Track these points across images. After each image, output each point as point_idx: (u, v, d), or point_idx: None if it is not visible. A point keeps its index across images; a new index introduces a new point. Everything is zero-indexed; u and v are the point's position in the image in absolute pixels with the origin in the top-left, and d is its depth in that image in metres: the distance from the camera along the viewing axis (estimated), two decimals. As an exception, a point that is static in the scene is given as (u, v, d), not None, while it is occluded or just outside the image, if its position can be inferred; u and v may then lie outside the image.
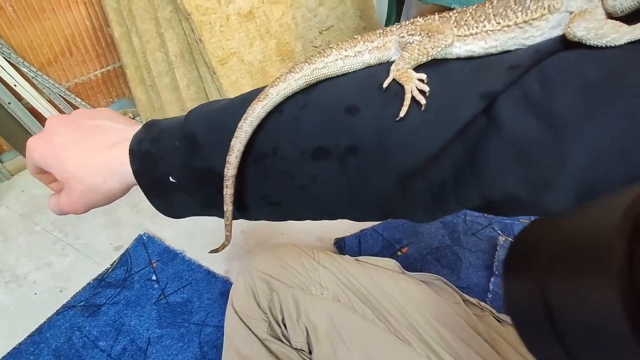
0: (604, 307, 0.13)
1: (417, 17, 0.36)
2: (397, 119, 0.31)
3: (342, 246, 1.21)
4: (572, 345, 0.15)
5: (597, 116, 0.25)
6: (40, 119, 1.56)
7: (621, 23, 0.26)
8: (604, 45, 0.27)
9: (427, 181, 0.32)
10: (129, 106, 1.86)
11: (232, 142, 0.34)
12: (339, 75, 0.36)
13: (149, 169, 0.39)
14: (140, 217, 1.31)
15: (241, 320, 0.73)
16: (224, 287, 1.08)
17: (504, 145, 0.28)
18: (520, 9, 0.31)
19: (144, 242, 1.18)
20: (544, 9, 0.30)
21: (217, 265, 1.15)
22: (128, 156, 0.39)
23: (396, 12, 1.38)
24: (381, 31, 0.36)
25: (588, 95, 0.26)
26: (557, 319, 0.15)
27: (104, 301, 1.04)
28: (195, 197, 0.39)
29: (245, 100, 0.35)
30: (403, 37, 0.35)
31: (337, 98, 0.34)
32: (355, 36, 0.36)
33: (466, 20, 0.33)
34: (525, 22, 0.31)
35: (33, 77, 1.48)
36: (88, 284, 1.08)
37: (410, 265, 1.15)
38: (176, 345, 0.95)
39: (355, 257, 0.82)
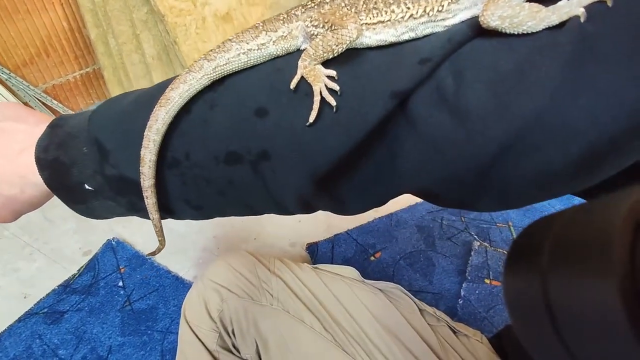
0: (604, 305, 0.13)
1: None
2: (308, 124, 0.30)
3: (314, 251, 1.20)
4: (571, 342, 0.15)
5: (503, 112, 0.25)
6: (16, 122, 1.55)
7: (538, 6, 0.25)
8: (520, 33, 0.26)
9: (350, 181, 0.32)
10: (109, 108, 1.84)
11: (142, 153, 0.32)
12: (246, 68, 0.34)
13: (60, 178, 0.36)
14: (110, 221, 1.29)
15: (192, 331, 0.71)
16: (191, 293, 1.06)
17: (421, 143, 0.28)
18: None
19: (113, 247, 1.16)
20: None
21: (186, 271, 1.14)
22: None
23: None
24: (285, 16, 0.33)
25: (497, 89, 0.25)
26: (557, 315, 0.15)
27: (68, 308, 1.02)
28: (118, 202, 0.37)
29: (152, 98, 0.33)
30: (307, 26, 0.33)
31: (246, 98, 0.32)
32: (257, 24, 0.33)
33: (375, 4, 0.31)
34: (436, 6, 0.29)
35: (6, 79, 1.46)
36: (53, 290, 1.06)
37: (382, 270, 1.14)
38: (137, 353, 0.93)
39: (315, 266, 0.81)
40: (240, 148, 0.32)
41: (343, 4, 0.32)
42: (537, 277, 0.16)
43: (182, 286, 1.07)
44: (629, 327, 0.12)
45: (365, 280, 0.79)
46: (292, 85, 0.31)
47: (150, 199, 0.34)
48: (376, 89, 0.29)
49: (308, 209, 0.36)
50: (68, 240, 1.22)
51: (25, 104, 1.56)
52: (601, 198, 0.17)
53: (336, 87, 0.30)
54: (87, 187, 0.36)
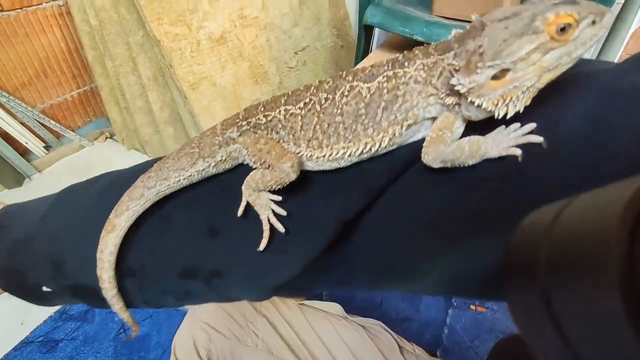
0: (606, 310, 0.13)
1: (259, 118, 0.32)
2: (260, 249, 0.31)
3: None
4: (579, 347, 0.15)
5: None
6: (13, 143, 1.57)
7: (478, 143, 0.26)
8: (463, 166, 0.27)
9: (300, 290, 0.36)
10: (106, 126, 1.86)
11: (99, 273, 0.34)
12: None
13: (16, 284, 0.38)
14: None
15: (180, 370, 0.73)
16: (184, 320, 1.08)
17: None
18: (372, 124, 0.29)
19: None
20: (399, 125, 0.29)
21: (179, 296, 1.16)
22: None
23: (365, 39, 1.37)
24: (220, 139, 0.33)
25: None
26: (562, 325, 0.15)
27: (63, 336, 1.05)
28: (78, 301, 0.39)
29: (102, 211, 0.34)
30: (246, 155, 0.33)
31: (197, 215, 0.34)
32: (192, 147, 0.34)
33: (314, 133, 0.31)
34: (381, 141, 0.29)
35: (5, 102, 1.49)
36: (49, 317, 1.09)
37: (370, 298, 1.15)
38: (130, 383, 0.96)
39: (302, 302, 0.83)
40: (194, 265, 0.33)
41: (277, 130, 0.32)
42: (537, 290, 0.16)
43: (175, 313, 1.09)
44: (632, 331, 0.12)
45: (349, 317, 0.82)
46: (240, 212, 0.32)
47: (116, 305, 0.36)
48: (324, 215, 0.30)
49: (270, 297, 0.39)
50: (64, 265, 1.24)
51: (24, 124, 1.59)
52: (588, 195, 0.17)
53: (283, 212, 0.31)
54: (44, 289, 0.38)
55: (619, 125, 0.23)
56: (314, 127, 0.30)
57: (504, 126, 0.27)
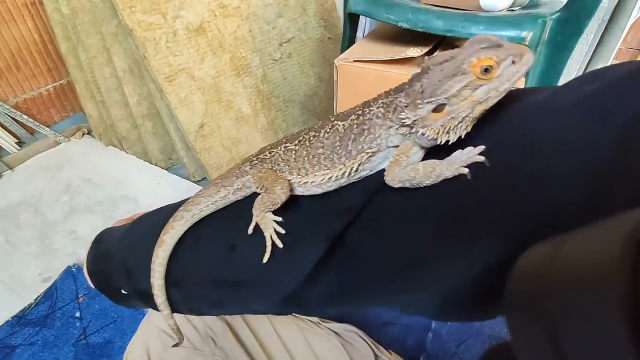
0: (612, 342, 0.13)
1: (266, 154, 0.40)
2: (264, 261, 0.37)
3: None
4: None
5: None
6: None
7: (432, 165, 0.30)
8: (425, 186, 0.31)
9: (308, 306, 0.39)
10: (84, 121, 1.79)
11: (152, 281, 0.43)
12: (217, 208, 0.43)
13: (106, 285, 0.51)
14: (76, 244, 1.24)
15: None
16: (152, 324, 1.01)
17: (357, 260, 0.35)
18: (344, 153, 0.35)
19: (73, 274, 1.12)
20: (366, 153, 0.34)
21: (148, 299, 1.09)
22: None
23: (350, 29, 1.31)
24: (238, 172, 0.42)
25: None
26: (568, 358, 0.15)
27: (20, 342, 0.97)
28: (145, 305, 0.49)
29: (159, 231, 0.43)
30: (252, 182, 0.41)
31: (221, 235, 0.43)
32: (216, 181, 0.43)
33: (303, 163, 0.37)
34: (352, 166, 0.35)
35: (-28, 95, 1.42)
36: (6, 321, 1.02)
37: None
38: (89, 392, 0.89)
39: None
40: (220, 276, 0.41)
41: (277, 162, 0.39)
42: (541, 323, 0.16)
43: (140, 318, 1.02)
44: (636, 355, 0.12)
45: (322, 323, 0.75)
46: (250, 230, 0.39)
47: (164, 311, 0.45)
48: (313, 233, 0.36)
49: (285, 314, 0.49)
50: (28, 266, 1.17)
51: (-6, 119, 1.52)
52: (596, 224, 0.17)
53: (282, 231, 0.37)
54: (123, 291, 0.49)
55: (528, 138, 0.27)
56: (303, 159, 0.37)
57: (460, 149, 0.30)
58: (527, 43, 0.89)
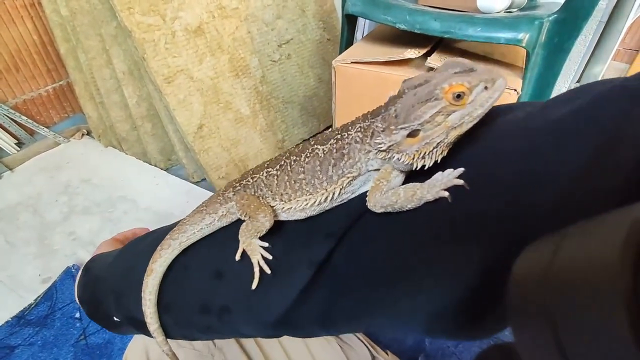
0: (616, 344, 0.13)
1: (248, 180, 0.40)
2: (252, 288, 0.37)
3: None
4: None
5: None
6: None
7: (413, 189, 0.30)
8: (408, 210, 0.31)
9: (299, 328, 0.39)
10: (84, 122, 1.80)
11: (144, 309, 0.43)
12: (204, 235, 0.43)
13: (97, 312, 0.51)
14: (75, 244, 1.25)
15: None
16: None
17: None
18: (325, 178, 0.35)
19: (73, 275, 1.12)
20: (347, 177, 0.34)
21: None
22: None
23: (348, 31, 1.31)
24: (221, 199, 0.42)
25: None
26: (569, 357, 0.15)
27: (20, 342, 0.98)
28: (139, 332, 0.48)
29: (148, 258, 0.43)
30: (235, 209, 0.41)
31: (207, 262, 0.43)
32: (201, 208, 0.43)
33: (285, 189, 0.37)
34: (334, 191, 0.35)
35: (-28, 96, 1.42)
36: (6, 322, 1.02)
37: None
38: (88, 393, 0.89)
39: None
40: (208, 302, 0.41)
41: (260, 188, 0.39)
42: (545, 329, 0.16)
43: (141, 318, 1.03)
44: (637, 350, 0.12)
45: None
46: (237, 257, 0.38)
47: (158, 337, 0.45)
48: (298, 258, 0.36)
49: (278, 337, 0.46)
50: (26, 267, 1.18)
51: (-6, 120, 1.52)
52: (594, 222, 0.17)
53: (269, 256, 0.37)
54: (115, 319, 0.49)
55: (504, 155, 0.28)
56: (285, 184, 0.37)
57: (440, 172, 0.30)
58: (524, 45, 0.90)
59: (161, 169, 1.64)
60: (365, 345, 0.72)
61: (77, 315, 1.04)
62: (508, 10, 1.05)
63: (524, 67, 0.96)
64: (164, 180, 1.57)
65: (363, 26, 1.74)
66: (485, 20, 0.94)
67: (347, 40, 1.35)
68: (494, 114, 0.32)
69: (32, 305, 1.06)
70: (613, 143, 0.24)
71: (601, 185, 0.24)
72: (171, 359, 0.48)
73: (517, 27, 0.91)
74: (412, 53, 1.04)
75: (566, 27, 0.92)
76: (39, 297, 1.08)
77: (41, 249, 1.23)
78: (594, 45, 1.55)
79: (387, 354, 0.74)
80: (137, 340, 0.71)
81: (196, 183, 1.59)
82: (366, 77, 1.08)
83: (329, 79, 1.81)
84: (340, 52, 1.37)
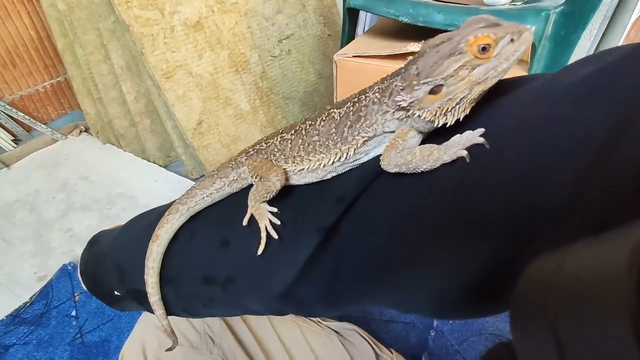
0: (620, 348, 0.13)
1: (262, 145, 0.39)
2: (258, 254, 0.36)
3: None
4: None
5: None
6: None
7: (430, 149, 0.29)
8: (421, 172, 0.30)
9: (304, 305, 0.38)
10: (82, 118, 1.78)
11: (146, 278, 0.42)
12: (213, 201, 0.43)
13: (99, 288, 0.50)
14: (72, 241, 1.23)
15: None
16: (149, 323, 1.00)
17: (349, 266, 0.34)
18: (340, 139, 0.34)
19: (69, 273, 1.10)
20: (362, 137, 0.33)
21: (146, 297, 1.07)
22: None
23: (349, 24, 1.29)
24: (233, 163, 0.41)
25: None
26: None
27: (14, 341, 0.96)
28: (139, 307, 0.48)
29: (153, 226, 0.43)
30: (247, 172, 0.40)
31: (214, 230, 0.42)
32: (213, 172, 0.42)
33: (298, 152, 0.37)
34: (347, 151, 0.34)
35: (-33, 92, 1.40)
36: (1, 320, 1.00)
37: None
38: (84, 393, 0.87)
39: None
40: (213, 273, 0.40)
41: (274, 152, 0.38)
42: (547, 336, 0.16)
43: (137, 316, 1.00)
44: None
45: (322, 322, 0.73)
46: (245, 222, 0.38)
47: (158, 310, 0.44)
48: (306, 224, 0.35)
49: (283, 314, 0.44)
50: (23, 265, 1.16)
51: (-10, 116, 1.50)
52: (597, 240, 0.17)
53: (277, 222, 0.36)
54: (116, 293, 0.48)
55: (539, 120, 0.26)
56: (299, 147, 0.37)
57: (458, 134, 0.29)
58: (530, 36, 0.88)
59: (160, 166, 1.63)
60: (369, 343, 0.70)
61: (73, 313, 1.02)
62: (513, 2, 1.03)
63: (529, 60, 0.94)
64: (163, 177, 1.55)
65: (364, 20, 1.72)
66: (490, 12, 0.92)
67: (349, 35, 1.33)
68: (518, 80, 0.31)
69: (28, 304, 1.04)
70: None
71: (624, 155, 0.22)
72: (169, 336, 0.47)
73: (523, 19, 0.89)
74: (415, 46, 1.02)
75: (573, 19, 0.90)
76: (34, 295, 1.06)
77: (38, 247, 1.21)
78: (598, 39, 1.53)
79: (391, 352, 0.72)
80: (134, 338, 0.69)
81: (195, 179, 1.57)
82: (368, 71, 1.06)
83: (329, 75, 1.79)
84: (342, 47, 1.35)
